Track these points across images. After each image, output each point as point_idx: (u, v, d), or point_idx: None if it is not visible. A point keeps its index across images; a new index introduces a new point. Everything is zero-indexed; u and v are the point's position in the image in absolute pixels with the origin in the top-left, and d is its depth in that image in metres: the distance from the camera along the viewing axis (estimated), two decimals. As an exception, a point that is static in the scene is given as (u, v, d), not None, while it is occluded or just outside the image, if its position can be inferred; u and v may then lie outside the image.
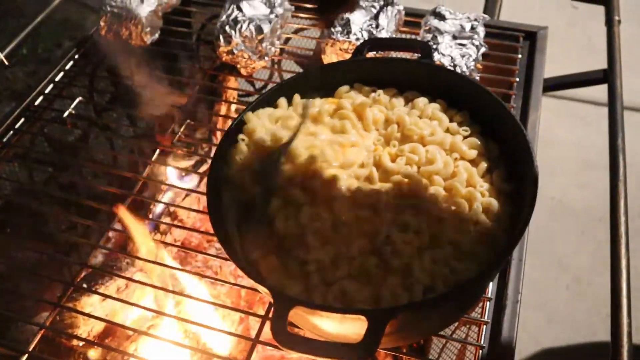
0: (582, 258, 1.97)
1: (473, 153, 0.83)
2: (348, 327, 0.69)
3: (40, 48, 2.62)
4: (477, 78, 1.13)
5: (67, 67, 1.33)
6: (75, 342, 1.01)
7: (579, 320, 1.82)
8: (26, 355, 0.89)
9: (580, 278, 1.93)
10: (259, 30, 1.21)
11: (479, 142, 0.84)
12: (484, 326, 0.86)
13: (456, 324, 1.10)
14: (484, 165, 0.83)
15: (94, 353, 1.04)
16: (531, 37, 1.28)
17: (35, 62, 2.53)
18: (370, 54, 1.01)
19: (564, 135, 2.28)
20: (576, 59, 2.12)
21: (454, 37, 1.15)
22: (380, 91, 0.93)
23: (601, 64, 1.24)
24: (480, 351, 0.84)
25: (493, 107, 0.84)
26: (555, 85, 1.25)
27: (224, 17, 1.23)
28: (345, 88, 0.94)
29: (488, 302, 0.88)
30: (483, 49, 1.15)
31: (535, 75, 1.19)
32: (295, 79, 0.95)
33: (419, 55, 0.93)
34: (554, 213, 2.04)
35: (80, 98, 1.28)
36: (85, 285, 1.06)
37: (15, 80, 2.46)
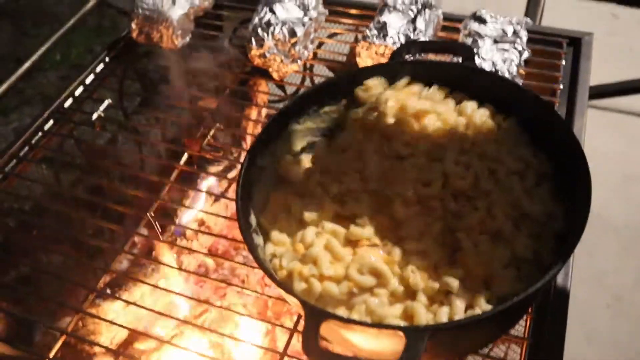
0: (623, 276, 1.89)
1: (519, 165, 0.78)
2: (382, 344, 0.65)
3: (73, 54, 2.65)
4: (520, 84, 1.08)
5: (98, 69, 1.32)
6: (97, 349, 0.98)
7: (621, 341, 1.74)
8: (47, 362, 0.87)
9: (622, 297, 1.84)
10: (292, 33, 1.18)
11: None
12: (526, 345, 0.81)
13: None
14: (531, 179, 0.77)
15: (116, 361, 1.01)
16: (575, 43, 1.23)
17: (68, 68, 2.55)
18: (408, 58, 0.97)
19: (604, 147, 2.19)
20: (618, 69, 2.04)
21: (495, 42, 1.10)
22: (434, 88, 0.87)
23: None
24: (523, 372, 0.78)
25: (543, 116, 0.79)
26: (600, 92, 1.19)
27: (256, 20, 1.21)
28: (403, 82, 0.87)
29: (530, 320, 0.83)
30: (526, 54, 1.09)
31: (581, 82, 1.14)
32: (322, 86, 0.91)
33: (461, 59, 0.89)
34: (593, 228, 1.94)
35: (109, 100, 1.26)
36: (108, 291, 1.04)
37: (49, 85, 2.49)
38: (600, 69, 1.63)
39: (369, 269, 0.70)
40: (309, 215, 0.77)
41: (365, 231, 0.74)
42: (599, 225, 1.98)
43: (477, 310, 0.64)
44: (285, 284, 0.71)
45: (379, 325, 0.62)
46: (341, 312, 0.68)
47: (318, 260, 0.72)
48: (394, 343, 0.59)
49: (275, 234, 0.77)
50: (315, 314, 0.62)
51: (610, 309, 1.82)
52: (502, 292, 0.67)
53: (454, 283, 0.67)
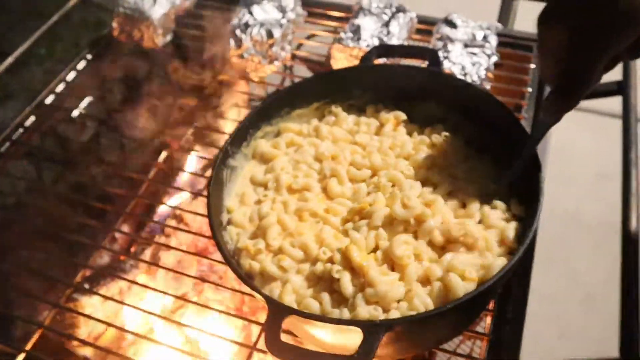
0: (596, 272, 1.93)
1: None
2: (345, 338, 0.68)
3: (59, 48, 2.65)
4: (489, 87, 1.11)
5: (80, 66, 1.34)
6: (74, 342, 1.01)
7: (592, 336, 1.78)
8: (23, 354, 0.89)
9: (594, 293, 1.89)
10: (270, 34, 1.21)
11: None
12: (487, 341, 0.84)
13: (461, 337, 1.08)
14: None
15: (93, 355, 1.03)
16: (546, 47, 1.26)
17: (53, 62, 2.55)
18: (380, 61, 1.00)
19: (579, 147, 2.24)
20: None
21: (465, 46, 1.13)
22: None
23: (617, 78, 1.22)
24: (483, 366, 0.82)
25: (496, 112, 0.83)
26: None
27: (235, 21, 1.23)
28: None
29: (490, 317, 0.86)
30: (494, 58, 1.13)
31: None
32: (294, 88, 0.94)
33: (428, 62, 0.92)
34: (567, 226, 2.00)
35: (90, 98, 1.28)
36: (87, 286, 1.06)
37: (33, 80, 2.49)
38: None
39: (299, 244, 0.75)
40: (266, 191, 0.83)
41: (310, 204, 0.79)
42: (573, 223, 2.02)
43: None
44: (251, 282, 0.74)
45: (337, 320, 0.64)
46: (276, 290, 0.73)
47: (267, 231, 0.76)
48: (354, 337, 0.62)
49: (237, 215, 0.81)
50: (279, 309, 0.65)
51: (583, 305, 1.87)
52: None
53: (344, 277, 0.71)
